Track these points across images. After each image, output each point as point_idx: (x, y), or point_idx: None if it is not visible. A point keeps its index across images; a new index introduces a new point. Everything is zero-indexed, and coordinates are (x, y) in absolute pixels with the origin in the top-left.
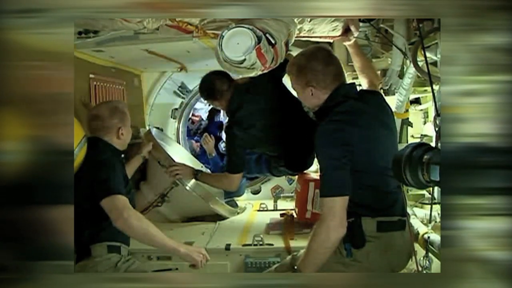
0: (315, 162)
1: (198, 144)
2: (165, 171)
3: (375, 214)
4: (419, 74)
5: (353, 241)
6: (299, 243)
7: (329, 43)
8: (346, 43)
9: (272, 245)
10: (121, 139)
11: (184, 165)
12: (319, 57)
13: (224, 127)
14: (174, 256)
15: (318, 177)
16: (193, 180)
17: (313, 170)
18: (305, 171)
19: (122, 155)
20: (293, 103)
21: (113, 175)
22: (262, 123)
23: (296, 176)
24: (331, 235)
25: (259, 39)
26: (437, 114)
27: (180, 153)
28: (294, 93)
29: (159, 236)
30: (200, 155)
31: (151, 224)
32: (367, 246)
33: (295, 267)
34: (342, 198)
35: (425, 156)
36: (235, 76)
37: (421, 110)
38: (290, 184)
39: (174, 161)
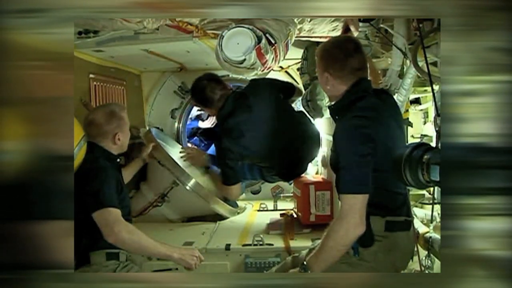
0: (309, 167)
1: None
2: (179, 152)
3: (385, 214)
4: (419, 74)
5: (361, 240)
6: (299, 243)
7: None
8: None
9: (272, 245)
10: (117, 144)
11: (199, 151)
12: (343, 46)
13: (214, 143)
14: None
15: (316, 179)
16: (193, 180)
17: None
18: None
19: (118, 160)
20: (287, 115)
21: (106, 187)
22: (253, 133)
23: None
24: (350, 233)
25: (259, 39)
26: (437, 114)
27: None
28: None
29: (152, 246)
30: None
31: (143, 235)
32: (374, 246)
33: (304, 263)
34: (364, 196)
35: (425, 156)
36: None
37: (421, 110)
38: (290, 184)
39: (174, 161)
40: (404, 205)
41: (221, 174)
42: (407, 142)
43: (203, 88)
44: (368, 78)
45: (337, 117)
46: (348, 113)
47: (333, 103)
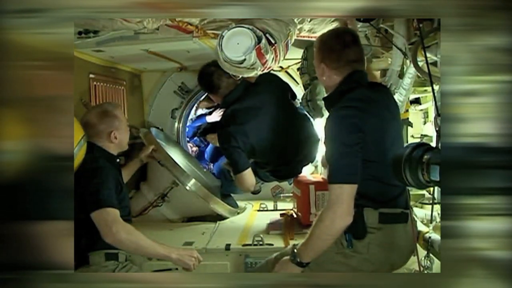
0: (307, 168)
1: (195, 148)
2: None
3: (378, 205)
4: (419, 74)
5: (354, 231)
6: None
7: None
8: None
9: (272, 245)
10: (114, 142)
11: None
12: (340, 38)
13: (217, 130)
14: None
15: (316, 179)
16: (193, 180)
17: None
18: (300, 175)
19: (118, 160)
20: (291, 114)
21: (105, 187)
22: (255, 122)
23: (293, 179)
24: (336, 223)
25: (259, 39)
26: (437, 114)
27: (180, 153)
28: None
29: (150, 247)
30: (198, 157)
31: (141, 235)
32: (368, 238)
33: (295, 250)
34: (351, 186)
35: (425, 156)
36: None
37: (421, 110)
38: (290, 184)
39: (174, 161)
40: (401, 196)
41: (231, 164)
42: (407, 140)
43: (210, 74)
44: (364, 71)
45: (331, 109)
46: (338, 103)
47: (327, 95)
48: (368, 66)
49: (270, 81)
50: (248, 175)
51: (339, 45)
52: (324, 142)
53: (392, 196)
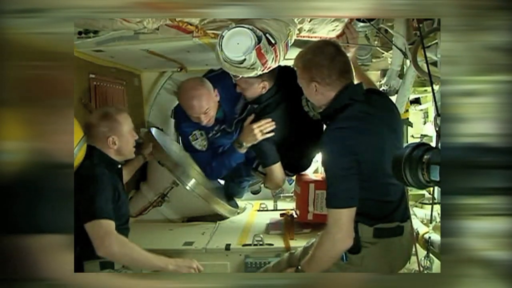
0: (313, 162)
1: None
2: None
3: (374, 222)
4: (419, 74)
5: None
6: (299, 243)
7: None
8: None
9: (272, 245)
10: (113, 148)
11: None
12: (325, 51)
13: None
14: (174, 256)
15: (317, 178)
16: (193, 180)
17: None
18: (303, 172)
19: (120, 166)
20: (298, 104)
21: (98, 198)
22: (280, 111)
23: (295, 177)
24: (336, 246)
25: (259, 39)
26: (437, 114)
27: (180, 153)
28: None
29: (144, 260)
30: None
31: (135, 248)
32: (362, 252)
33: (299, 267)
34: (349, 210)
35: (425, 156)
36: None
37: (421, 110)
38: (290, 184)
39: (174, 161)
40: (396, 211)
41: (261, 156)
42: (407, 142)
43: None
44: (355, 82)
45: (328, 122)
46: (333, 122)
47: (321, 110)
48: (359, 69)
49: (290, 74)
50: (277, 169)
51: (327, 59)
52: (321, 161)
53: (388, 212)
